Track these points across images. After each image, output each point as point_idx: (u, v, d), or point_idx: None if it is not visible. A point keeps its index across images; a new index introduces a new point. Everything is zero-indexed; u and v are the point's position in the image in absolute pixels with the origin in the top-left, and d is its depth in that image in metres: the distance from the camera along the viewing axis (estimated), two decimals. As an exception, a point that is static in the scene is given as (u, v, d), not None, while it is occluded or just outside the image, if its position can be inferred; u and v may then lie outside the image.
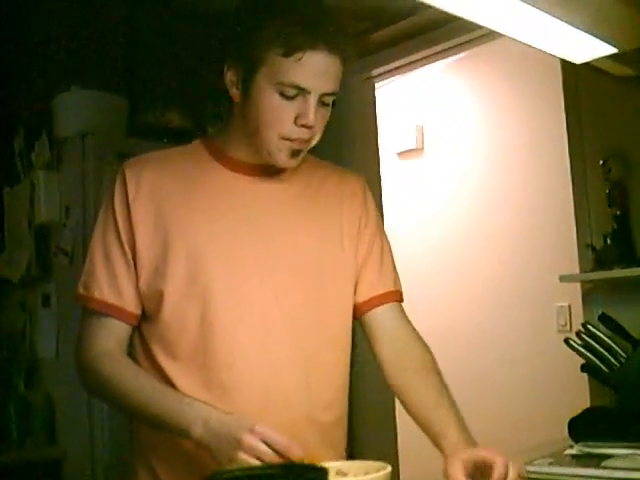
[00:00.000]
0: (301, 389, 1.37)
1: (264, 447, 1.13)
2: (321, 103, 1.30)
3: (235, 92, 1.34)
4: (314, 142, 1.35)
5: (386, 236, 1.55)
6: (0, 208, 2.69)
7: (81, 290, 1.38)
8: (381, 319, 1.47)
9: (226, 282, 1.33)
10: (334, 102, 1.34)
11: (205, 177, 1.39)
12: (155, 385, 1.31)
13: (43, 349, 2.61)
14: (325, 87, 1.29)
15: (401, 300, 1.51)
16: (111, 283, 1.35)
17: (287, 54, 1.25)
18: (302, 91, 1.27)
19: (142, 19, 3.00)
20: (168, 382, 1.33)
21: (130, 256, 1.35)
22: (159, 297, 1.34)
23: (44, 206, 2.55)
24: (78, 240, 2.45)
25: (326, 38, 1.25)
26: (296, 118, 1.29)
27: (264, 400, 1.33)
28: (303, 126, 1.29)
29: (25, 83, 2.71)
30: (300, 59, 1.25)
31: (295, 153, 1.33)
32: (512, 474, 1.18)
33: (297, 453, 1.12)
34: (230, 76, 1.33)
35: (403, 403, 1.44)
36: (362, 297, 1.47)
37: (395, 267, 1.54)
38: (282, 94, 1.27)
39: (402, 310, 1.51)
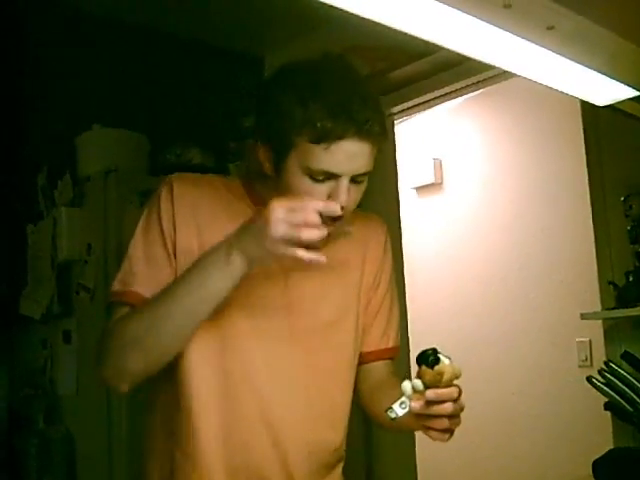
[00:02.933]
0: (312, 444, 1.39)
1: (286, 212, 1.15)
2: (354, 181, 1.28)
3: (268, 167, 1.33)
4: (348, 216, 1.32)
5: (395, 286, 1.57)
6: (23, 245, 2.71)
7: (117, 286, 1.36)
8: (375, 372, 1.51)
9: (251, 320, 1.35)
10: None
11: (240, 215, 1.37)
12: (175, 280, 1.31)
13: (63, 385, 2.61)
14: (356, 170, 1.26)
15: (397, 356, 1.55)
16: (151, 280, 1.33)
17: (316, 142, 1.22)
18: (333, 175, 1.25)
19: (162, 58, 3.04)
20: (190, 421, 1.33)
21: (173, 258, 1.35)
22: None
23: (66, 243, 2.57)
24: (99, 277, 2.47)
25: (357, 127, 1.23)
26: (328, 197, 1.27)
27: (296, 451, 1.35)
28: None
29: (48, 122, 2.75)
30: (328, 148, 1.22)
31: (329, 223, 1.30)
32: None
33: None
34: (263, 152, 1.33)
35: (380, 423, 1.46)
36: (366, 348, 1.50)
37: (399, 320, 1.56)
38: (312, 178, 1.26)
39: (393, 366, 1.54)
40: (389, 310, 1.52)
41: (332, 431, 1.44)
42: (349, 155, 1.24)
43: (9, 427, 2.62)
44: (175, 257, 1.34)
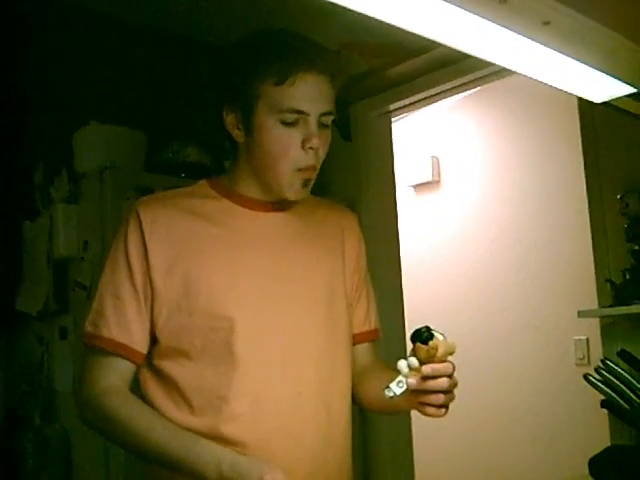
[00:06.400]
0: (322, 416, 1.40)
1: None
2: (320, 125, 1.36)
3: (238, 133, 1.39)
4: (318, 168, 1.40)
5: (369, 273, 1.63)
6: (20, 242, 2.71)
7: (89, 328, 1.39)
8: (360, 354, 1.55)
9: (248, 313, 1.36)
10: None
11: (218, 214, 1.43)
12: (166, 425, 1.31)
13: (60, 382, 2.60)
14: (322, 107, 1.35)
15: (378, 338, 1.60)
16: (120, 322, 1.36)
17: (280, 82, 1.31)
18: (301, 114, 1.33)
19: (160, 55, 3.04)
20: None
21: (142, 296, 1.36)
22: (185, 331, 1.35)
23: (63, 240, 2.56)
24: (96, 274, 2.45)
25: (313, 60, 1.34)
26: (302, 142, 1.34)
27: (287, 430, 1.35)
28: (310, 149, 1.35)
29: (45, 118, 2.74)
30: (293, 84, 1.31)
31: (305, 183, 1.39)
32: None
33: None
34: (230, 120, 1.39)
35: (368, 405, 1.50)
36: (353, 330, 1.53)
37: (376, 305, 1.62)
38: (283, 122, 1.33)
39: (376, 348, 1.59)
40: (367, 294, 1.58)
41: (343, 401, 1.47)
42: (312, 90, 1.34)
43: (6, 424, 2.61)
44: (152, 286, 1.36)
